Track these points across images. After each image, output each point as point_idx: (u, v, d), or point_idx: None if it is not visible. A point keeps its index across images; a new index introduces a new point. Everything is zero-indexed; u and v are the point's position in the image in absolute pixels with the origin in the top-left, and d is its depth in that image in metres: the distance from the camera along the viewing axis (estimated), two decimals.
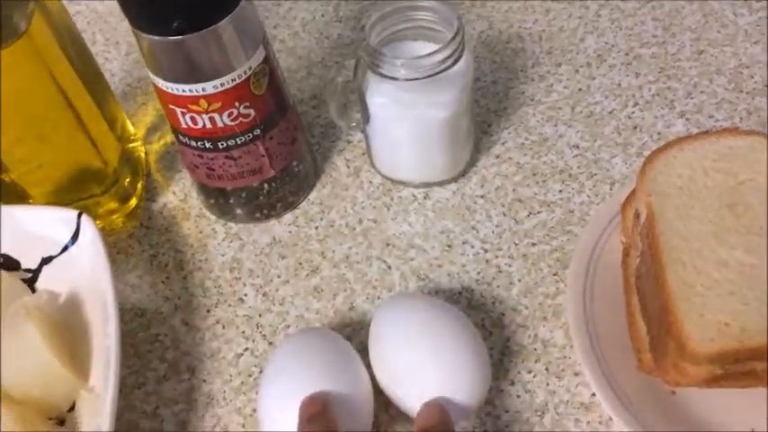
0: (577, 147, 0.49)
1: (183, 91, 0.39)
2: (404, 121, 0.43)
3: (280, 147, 0.44)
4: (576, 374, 0.39)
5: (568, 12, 0.58)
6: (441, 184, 0.48)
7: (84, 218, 0.42)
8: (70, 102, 0.40)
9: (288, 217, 0.48)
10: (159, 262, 0.47)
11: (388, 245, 0.45)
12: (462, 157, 0.47)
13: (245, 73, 0.39)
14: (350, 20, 0.60)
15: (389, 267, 0.44)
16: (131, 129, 0.51)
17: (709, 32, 0.55)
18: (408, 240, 0.46)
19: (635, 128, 0.50)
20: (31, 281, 0.43)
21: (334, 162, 0.50)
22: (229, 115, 0.40)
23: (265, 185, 0.45)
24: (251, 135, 0.42)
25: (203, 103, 0.39)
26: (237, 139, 0.42)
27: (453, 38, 0.40)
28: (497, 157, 0.49)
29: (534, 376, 0.39)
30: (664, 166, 0.37)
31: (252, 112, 0.41)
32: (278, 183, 0.46)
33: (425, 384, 0.35)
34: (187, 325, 0.44)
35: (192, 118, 0.40)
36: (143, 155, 0.52)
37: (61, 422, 0.38)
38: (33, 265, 0.43)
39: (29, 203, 0.46)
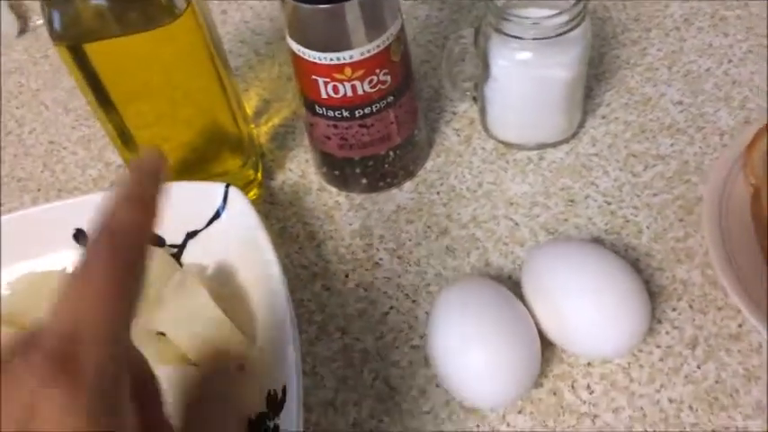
0: (681, 103, 0.51)
1: (330, 60, 0.41)
2: (528, 82, 0.45)
3: (406, 114, 0.46)
4: (720, 309, 0.40)
5: None
6: (554, 145, 0.50)
7: (233, 189, 0.44)
8: (219, 74, 0.43)
9: (408, 185, 0.50)
10: (290, 234, 0.48)
11: (511, 204, 0.47)
12: (576, 117, 0.49)
13: (387, 39, 0.41)
14: (435, 1, 0.62)
15: (517, 224, 0.46)
16: (247, 110, 0.53)
17: None
18: (531, 199, 0.47)
19: (733, 83, 0.52)
20: (176, 256, 0.45)
21: (443, 132, 0.52)
22: (370, 82, 0.42)
23: (391, 153, 0.47)
24: (385, 102, 0.44)
25: (348, 70, 0.41)
26: (374, 107, 0.44)
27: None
28: (603, 117, 0.51)
29: (679, 314, 0.41)
30: None
31: (389, 79, 0.43)
32: (402, 151, 0.48)
33: (589, 321, 0.37)
34: (328, 290, 0.45)
35: (334, 87, 0.42)
36: (256, 136, 0.54)
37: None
38: (178, 241, 0.45)
39: None
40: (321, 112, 0.44)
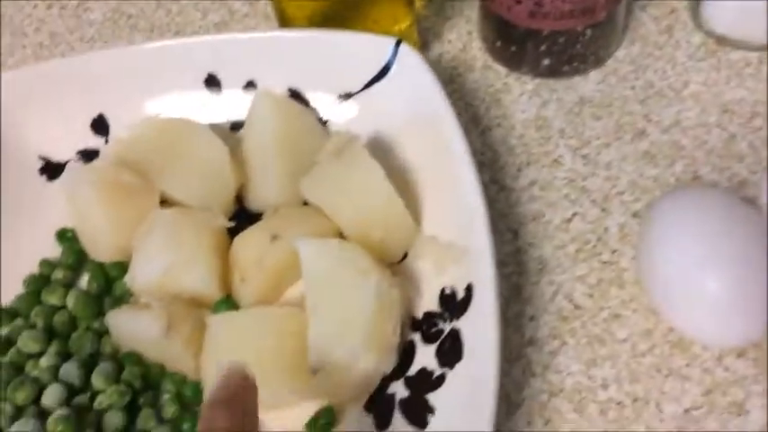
0: None
1: None
2: None
3: None
4: None
5: None
6: None
7: (405, 46, 0.36)
8: None
9: (594, 75, 0.41)
10: None
11: (725, 111, 0.39)
12: None
13: None
14: None
15: (733, 135, 0.38)
16: None
17: None
18: (751, 108, 0.39)
19: None
20: (322, 120, 0.38)
21: (638, 17, 0.44)
22: None
23: (587, 32, 0.39)
24: None
25: None
26: None
27: None
28: None
29: None
30: None
31: None
32: (598, 31, 0.39)
33: None
34: (497, 184, 0.38)
35: None
36: None
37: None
38: (328, 102, 0.38)
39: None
40: None
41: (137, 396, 0.31)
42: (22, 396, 0.30)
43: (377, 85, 0.37)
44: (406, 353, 0.31)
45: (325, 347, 0.29)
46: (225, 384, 0.23)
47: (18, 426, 0.29)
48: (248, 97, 0.38)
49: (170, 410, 0.31)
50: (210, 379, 0.31)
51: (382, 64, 0.36)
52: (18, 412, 0.30)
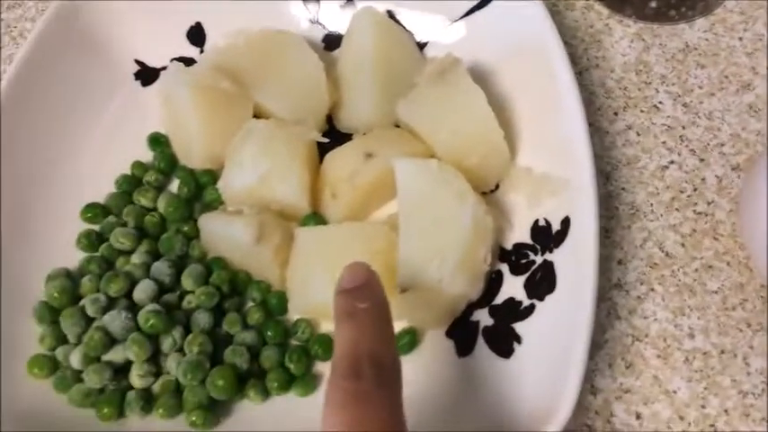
0: None
1: None
2: None
3: None
4: None
5: None
6: None
7: None
8: None
9: (701, 23, 0.40)
10: None
11: None
12: None
13: None
14: None
15: None
16: None
17: None
18: None
19: None
20: (421, 45, 0.38)
21: None
22: None
23: None
24: None
25: None
26: None
27: None
28: None
29: None
30: None
31: None
32: None
33: None
34: (592, 125, 0.37)
35: None
36: None
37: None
38: (430, 26, 0.37)
39: None
40: None
41: (223, 300, 0.31)
42: (115, 288, 0.31)
43: (479, 13, 0.36)
44: (493, 282, 0.31)
45: (416, 267, 0.29)
46: (351, 275, 0.24)
47: (110, 316, 0.30)
48: (344, 15, 0.37)
49: (255, 317, 0.31)
50: (295, 290, 0.31)
51: None
52: (110, 303, 0.31)
